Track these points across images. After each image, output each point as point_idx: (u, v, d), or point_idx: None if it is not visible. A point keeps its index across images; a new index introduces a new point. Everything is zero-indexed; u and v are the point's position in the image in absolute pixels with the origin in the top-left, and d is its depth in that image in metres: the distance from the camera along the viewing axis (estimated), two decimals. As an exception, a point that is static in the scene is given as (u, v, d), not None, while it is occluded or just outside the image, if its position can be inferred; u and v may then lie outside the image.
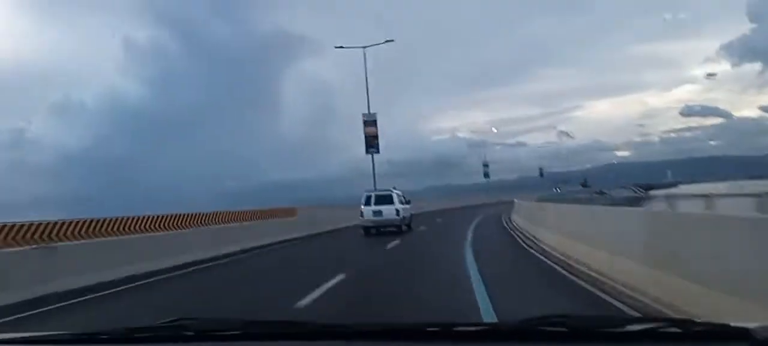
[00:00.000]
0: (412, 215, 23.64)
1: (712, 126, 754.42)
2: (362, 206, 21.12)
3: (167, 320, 1.71)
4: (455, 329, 1.45)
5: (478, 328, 1.50)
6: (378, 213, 20.74)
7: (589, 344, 1.33)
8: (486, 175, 75.36)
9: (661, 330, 1.31)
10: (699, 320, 1.37)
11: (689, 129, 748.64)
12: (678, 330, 1.31)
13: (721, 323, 1.33)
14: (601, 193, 37.97)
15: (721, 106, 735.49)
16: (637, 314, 5.41)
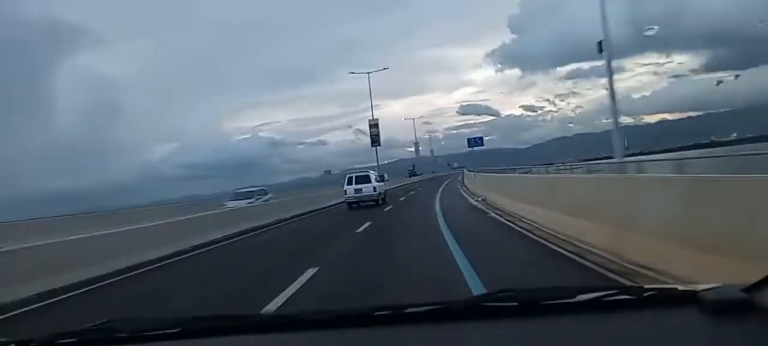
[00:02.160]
0: (386, 190, 28.18)
1: (485, 123, 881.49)
2: (345, 186, 25.70)
3: (99, 322, 1.63)
4: (405, 311, 1.44)
5: (428, 308, 1.45)
6: (358, 190, 25.21)
7: (541, 316, 1.33)
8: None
9: (612, 299, 1.35)
10: (648, 286, 1.38)
11: (467, 125, 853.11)
12: (628, 297, 1.35)
13: (670, 286, 1.40)
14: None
15: (492, 105, 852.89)
16: (587, 283, 5.67)
